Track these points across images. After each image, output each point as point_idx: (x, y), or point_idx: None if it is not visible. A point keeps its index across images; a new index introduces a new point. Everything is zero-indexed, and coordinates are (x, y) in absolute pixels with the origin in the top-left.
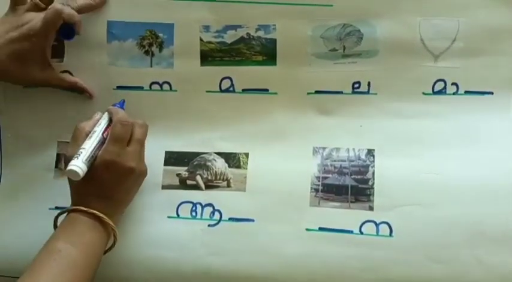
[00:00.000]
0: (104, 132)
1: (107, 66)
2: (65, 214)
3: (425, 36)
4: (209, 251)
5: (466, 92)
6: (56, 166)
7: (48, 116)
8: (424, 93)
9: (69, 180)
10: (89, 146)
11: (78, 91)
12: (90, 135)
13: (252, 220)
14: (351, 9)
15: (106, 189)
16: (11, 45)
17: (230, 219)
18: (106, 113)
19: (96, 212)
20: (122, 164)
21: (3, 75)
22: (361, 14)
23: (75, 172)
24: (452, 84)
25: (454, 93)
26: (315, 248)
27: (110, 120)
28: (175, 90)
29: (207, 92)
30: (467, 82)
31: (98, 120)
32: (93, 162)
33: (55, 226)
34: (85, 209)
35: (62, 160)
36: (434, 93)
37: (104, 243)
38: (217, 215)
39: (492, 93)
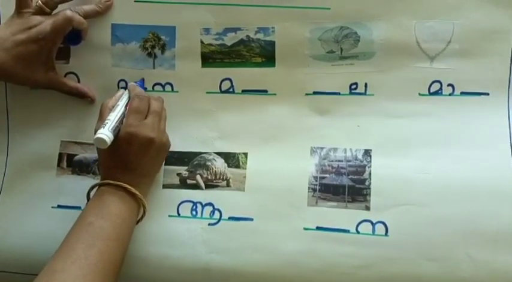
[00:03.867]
0: (126, 106)
1: (111, 67)
2: (95, 188)
3: (420, 38)
4: (209, 249)
5: (462, 93)
6: (58, 165)
7: (53, 115)
8: (420, 94)
9: (98, 153)
10: (113, 117)
11: (79, 96)
12: (114, 108)
13: (251, 219)
14: (347, 12)
15: (130, 162)
16: (17, 47)
17: (230, 218)
18: (127, 90)
19: (123, 184)
20: (142, 134)
21: (8, 77)
22: (358, 16)
23: (102, 140)
24: (448, 85)
25: (450, 94)
26: (313, 247)
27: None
28: (177, 91)
29: (208, 92)
30: (463, 83)
31: (120, 96)
32: (117, 135)
33: (88, 198)
34: (112, 181)
35: (64, 159)
36: (430, 94)
37: (134, 214)
38: (217, 214)
39: (488, 94)
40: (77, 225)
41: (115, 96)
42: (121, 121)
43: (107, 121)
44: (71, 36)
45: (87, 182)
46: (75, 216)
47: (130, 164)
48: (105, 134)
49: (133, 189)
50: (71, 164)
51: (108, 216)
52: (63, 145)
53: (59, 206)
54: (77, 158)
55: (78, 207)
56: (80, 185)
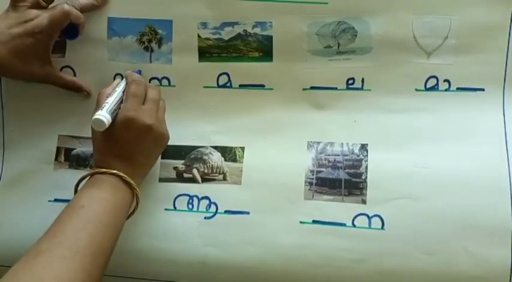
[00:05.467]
0: (123, 91)
1: (107, 61)
2: (86, 179)
3: (417, 33)
4: (205, 243)
5: (458, 89)
6: (56, 159)
7: (50, 109)
8: (416, 90)
9: (93, 140)
10: (111, 101)
11: (75, 90)
12: (111, 93)
13: (247, 213)
14: (345, 7)
15: (126, 149)
16: (13, 41)
17: (226, 211)
18: (124, 78)
19: (118, 172)
20: (140, 120)
21: (3, 70)
22: (356, 11)
23: (100, 121)
24: (445, 80)
25: (446, 90)
26: (309, 240)
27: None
28: (174, 86)
29: (205, 87)
30: (459, 79)
31: (117, 84)
32: (114, 119)
33: (76, 191)
34: (106, 170)
35: (62, 153)
36: (426, 89)
37: (127, 204)
38: (213, 208)
39: (483, 89)
40: (68, 208)
41: (112, 85)
42: (119, 106)
43: (105, 104)
44: (68, 30)
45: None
46: None
47: (126, 152)
48: (103, 115)
49: (128, 178)
50: (69, 158)
51: (101, 201)
52: (60, 139)
53: (56, 200)
54: (74, 152)
55: None
56: (77, 179)
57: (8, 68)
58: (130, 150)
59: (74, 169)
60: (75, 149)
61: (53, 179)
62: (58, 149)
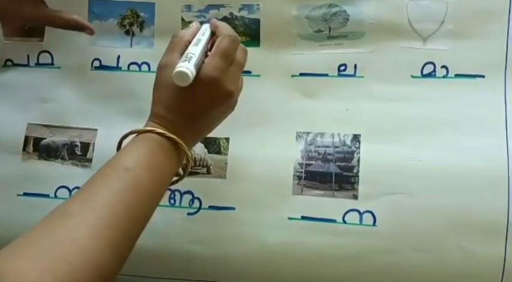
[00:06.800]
0: (208, 43)
1: (86, 46)
2: (133, 135)
3: (412, 17)
4: (189, 239)
5: (457, 75)
6: (24, 149)
7: (19, 96)
8: (412, 76)
9: (159, 87)
10: (198, 52)
11: (77, 29)
12: (195, 42)
13: (233, 208)
14: None
15: (197, 111)
16: None
17: (210, 207)
18: (207, 25)
19: (178, 140)
20: (224, 84)
21: None
22: None
23: (184, 74)
24: (442, 67)
25: (444, 76)
26: (297, 237)
27: (212, 34)
28: (154, 72)
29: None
30: (458, 65)
31: (198, 29)
32: (196, 75)
33: (119, 147)
34: (165, 132)
35: (31, 143)
36: (423, 76)
37: (174, 174)
38: (196, 203)
39: (483, 76)
40: (108, 167)
41: (190, 29)
42: (203, 59)
43: (191, 55)
44: None
45: (56, 168)
46: (44, 205)
47: (196, 114)
48: (189, 68)
49: (186, 148)
50: (38, 148)
51: (151, 168)
52: (29, 128)
53: (25, 194)
54: (44, 141)
55: (47, 195)
56: (47, 171)
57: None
58: (200, 113)
59: (44, 160)
60: (45, 138)
61: (21, 171)
62: (26, 139)
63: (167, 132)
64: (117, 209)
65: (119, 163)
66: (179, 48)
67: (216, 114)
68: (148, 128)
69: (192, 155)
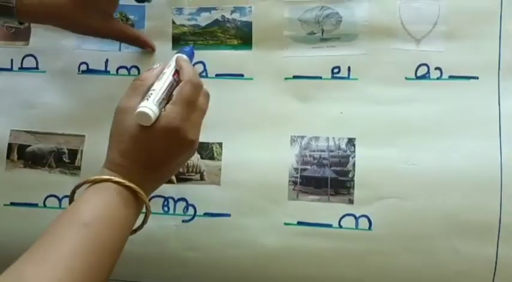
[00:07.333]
0: (174, 74)
1: (72, 50)
2: (84, 186)
3: (405, 19)
4: (185, 246)
5: (450, 77)
6: (8, 157)
7: (2, 102)
8: (406, 78)
9: (115, 133)
10: (159, 88)
11: (140, 45)
12: (159, 76)
13: (228, 215)
14: None
15: (156, 159)
16: None
17: (205, 214)
18: (173, 60)
19: (136, 187)
20: (185, 132)
21: (61, 21)
22: None
23: (145, 114)
24: (436, 68)
25: (438, 78)
26: (294, 243)
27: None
28: None
29: None
30: (451, 66)
31: (161, 71)
32: (157, 119)
33: (71, 200)
34: (122, 180)
35: (15, 150)
36: (417, 78)
37: (133, 224)
38: (191, 210)
39: (477, 77)
40: (65, 222)
41: (154, 71)
42: (168, 95)
43: (151, 92)
44: None
45: (43, 176)
46: (33, 214)
47: (154, 162)
48: (149, 107)
49: (144, 197)
50: (23, 156)
51: (111, 222)
52: (13, 135)
53: (13, 204)
54: (29, 149)
55: (35, 205)
56: (34, 180)
57: (66, 18)
58: (159, 161)
59: (30, 168)
60: (30, 146)
61: (6, 180)
62: (10, 146)
63: (125, 181)
64: (77, 271)
65: (76, 217)
66: (141, 92)
67: (178, 162)
68: (105, 177)
69: (149, 205)
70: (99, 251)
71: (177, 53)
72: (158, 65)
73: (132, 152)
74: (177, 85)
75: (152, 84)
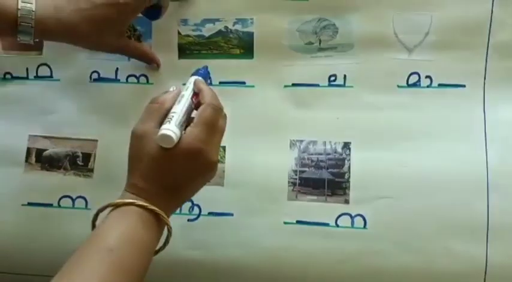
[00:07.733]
0: (192, 97)
1: (84, 59)
2: (109, 209)
3: (398, 30)
4: (189, 245)
5: (440, 85)
6: (26, 160)
7: (20, 109)
8: (398, 86)
9: (135, 157)
10: (180, 110)
11: (147, 61)
12: (178, 99)
13: (231, 214)
14: (325, 3)
15: (178, 181)
16: (94, 10)
17: (210, 213)
18: (191, 82)
19: (158, 210)
20: (207, 155)
21: (79, 39)
22: (336, 8)
23: (168, 137)
24: (426, 77)
25: (428, 86)
26: (293, 241)
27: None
28: (152, 83)
29: (184, 84)
30: (441, 75)
31: (178, 94)
32: (178, 141)
33: (94, 222)
34: (146, 204)
35: (33, 154)
36: (408, 85)
37: (155, 246)
38: (196, 210)
39: (464, 86)
40: (90, 248)
41: (171, 95)
42: (187, 117)
43: (172, 114)
44: (151, 10)
45: (58, 178)
46: (48, 214)
47: (176, 184)
48: (171, 129)
49: (166, 219)
50: (40, 159)
51: (136, 245)
52: (31, 140)
53: (29, 204)
54: (46, 153)
55: (50, 205)
56: (50, 181)
57: (81, 37)
58: (182, 183)
59: (46, 171)
60: (46, 150)
61: (24, 182)
62: (28, 150)
63: (148, 204)
64: None
65: (100, 243)
66: (157, 115)
67: (197, 184)
68: (128, 201)
69: (171, 227)
70: (124, 275)
71: (192, 75)
72: (174, 88)
73: (154, 174)
74: (195, 107)
75: (171, 107)
